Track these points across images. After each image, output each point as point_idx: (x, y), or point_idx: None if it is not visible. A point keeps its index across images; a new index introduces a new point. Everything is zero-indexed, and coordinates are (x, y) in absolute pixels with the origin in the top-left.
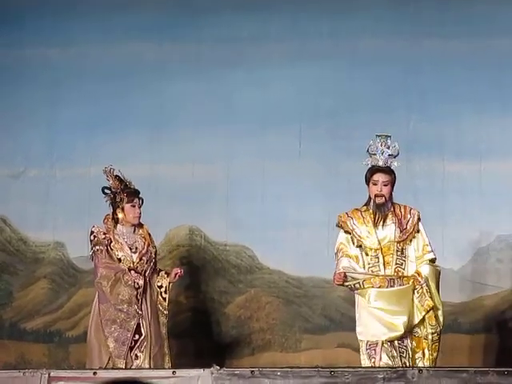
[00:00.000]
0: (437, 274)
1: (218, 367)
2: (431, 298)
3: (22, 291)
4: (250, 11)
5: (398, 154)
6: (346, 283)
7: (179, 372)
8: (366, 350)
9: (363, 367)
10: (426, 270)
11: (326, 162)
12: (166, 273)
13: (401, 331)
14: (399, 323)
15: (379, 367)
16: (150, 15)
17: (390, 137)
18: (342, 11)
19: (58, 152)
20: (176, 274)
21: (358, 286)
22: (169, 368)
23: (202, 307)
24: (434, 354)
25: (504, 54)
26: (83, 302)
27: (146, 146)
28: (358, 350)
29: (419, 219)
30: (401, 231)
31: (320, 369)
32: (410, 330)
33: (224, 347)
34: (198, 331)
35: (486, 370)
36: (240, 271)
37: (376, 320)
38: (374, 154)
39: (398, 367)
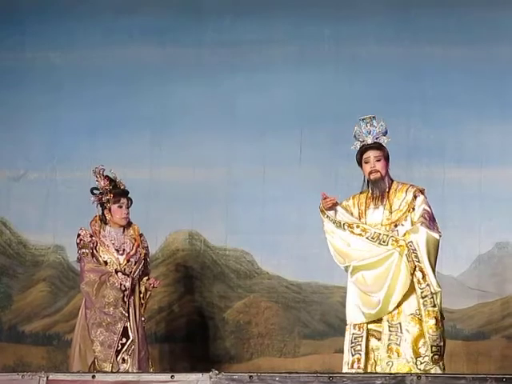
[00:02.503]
0: (429, 239)
1: (217, 372)
2: (418, 260)
3: (21, 294)
4: (252, 16)
5: (386, 131)
6: (331, 211)
7: (178, 376)
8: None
9: (362, 373)
10: (414, 233)
11: (326, 167)
12: (148, 279)
13: (374, 310)
14: (377, 301)
15: (377, 373)
16: (152, 19)
17: (374, 117)
18: (344, 17)
19: (59, 155)
20: (150, 285)
21: (337, 223)
22: (167, 372)
23: (201, 312)
24: (430, 322)
25: (505, 61)
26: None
27: (147, 150)
28: None
29: (415, 197)
30: (390, 212)
31: (318, 374)
32: (393, 309)
33: (223, 352)
34: (197, 336)
35: (485, 376)
36: (239, 276)
37: (351, 299)
38: (361, 136)
39: (397, 373)
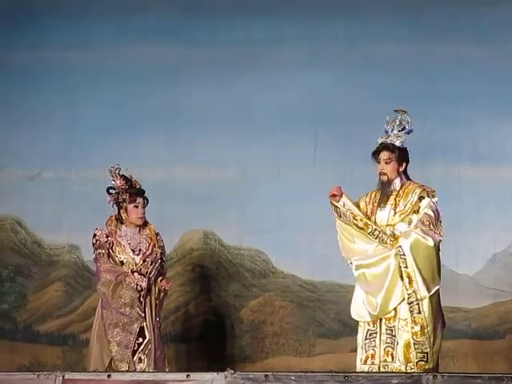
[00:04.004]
0: (419, 245)
1: (232, 371)
2: (405, 266)
3: (36, 294)
4: (264, 15)
5: (411, 130)
6: (339, 203)
7: (193, 375)
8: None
9: (377, 372)
10: (405, 238)
11: (340, 166)
12: (161, 280)
13: (375, 312)
14: (376, 302)
15: (393, 372)
16: (165, 19)
17: (405, 112)
18: (357, 16)
19: (74, 154)
20: (162, 286)
21: (347, 213)
22: (182, 371)
23: (216, 311)
24: (416, 328)
25: None
26: (97, 306)
27: (162, 150)
28: None
29: (421, 198)
30: (395, 213)
31: (334, 373)
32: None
33: (238, 351)
34: (212, 335)
35: (501, 375)
36: (254, 275)
37: (358, 296)
38: (387, 132)
39: (413, 372)
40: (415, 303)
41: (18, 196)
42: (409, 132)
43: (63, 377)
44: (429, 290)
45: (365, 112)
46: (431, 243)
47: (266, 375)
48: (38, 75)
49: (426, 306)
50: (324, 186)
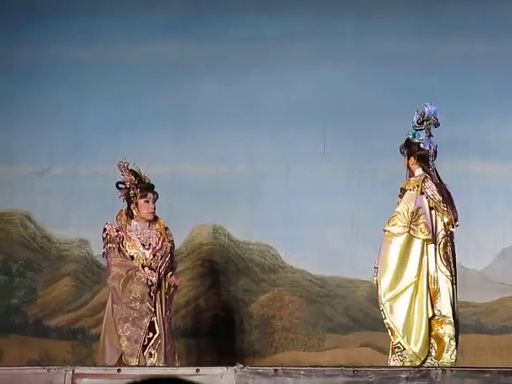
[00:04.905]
0: (383, 251)
1: (242, 366)
2: (376, 275)
3: (46, 288)
4: (274, 11)
5: (413, 123)
6: None
7: (203, 370)
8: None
9: (386, 366)
10: None
11: (349, 161)
12: (171, 275)
13: None
14: None
15: (402, 366)
16: (175, 15)
17: (425, 106)
18: (366, 12)
19: (83, 150)
20: (172, 282)
21: None
22: (192, 366)
23: (226, 306)
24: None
25: None
26: (107, 300)
27: (170, 145)
28: (380, 350)
29: (402, 194)
30: None
31: (343, 368)
32: None
33: (247, 346)
34: (221, 330)
35: (510, 370)
36: (263, 270)
37: None
38: None
39: (422, 367)
40: (381, 308)
41: (28, 191)
42: (413, 125)
43: (73, 371)
44: (384, 295)
45: (374, 108)
46: (389, 243)
47: (276, 370)
48: (45, 71)
49: (388, 310)
50: (333, 181)
